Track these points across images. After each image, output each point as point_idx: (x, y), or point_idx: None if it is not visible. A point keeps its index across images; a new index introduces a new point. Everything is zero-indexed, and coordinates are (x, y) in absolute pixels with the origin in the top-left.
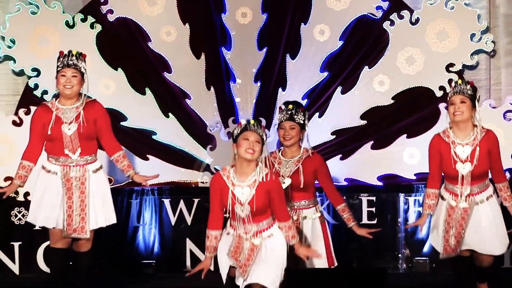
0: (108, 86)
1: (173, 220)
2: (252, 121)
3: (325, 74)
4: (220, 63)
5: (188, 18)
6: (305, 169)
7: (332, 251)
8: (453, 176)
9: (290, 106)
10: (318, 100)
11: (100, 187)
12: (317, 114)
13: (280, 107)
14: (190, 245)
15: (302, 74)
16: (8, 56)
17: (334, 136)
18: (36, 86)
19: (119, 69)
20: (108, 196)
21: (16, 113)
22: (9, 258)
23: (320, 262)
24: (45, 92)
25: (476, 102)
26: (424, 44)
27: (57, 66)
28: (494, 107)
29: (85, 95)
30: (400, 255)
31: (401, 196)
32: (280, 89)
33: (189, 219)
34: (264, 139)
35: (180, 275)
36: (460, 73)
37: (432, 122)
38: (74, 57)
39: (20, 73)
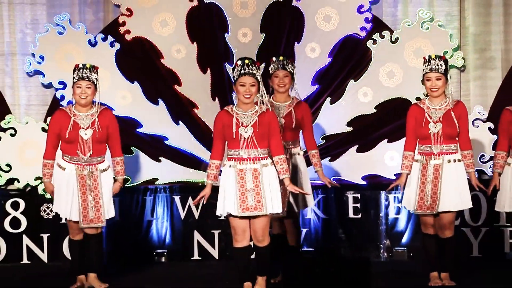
0: (125, 97)
1: (182, 214)
2: (247, 61)
3: (316, 86)
4: (224, 77)
5: (195, 38)
6: (295, 112)
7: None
8: (426, 135)
9: (281, 58)
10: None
11: (107, 184)
12: None
13: (272, 59)
14: (197, 236)
15: (296, 87)
16: (38, 71)
17: (324, 141)
18: (62, 97)
19: (135, 82)
20: (111, 193)
21: (45, 121)
22: (39, 248)
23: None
24: (70, 102)
25: (448, 76)
26: (402, 60)
27: (73, 78)
28: None
29: (98, 102)
30: (381, 245)
31: (382, 194)
32: None
33: (196, 214)
34: (259, 78)
35: (189, 263)
36: None
37: None
38: (87, 70)
39: (48, 86)
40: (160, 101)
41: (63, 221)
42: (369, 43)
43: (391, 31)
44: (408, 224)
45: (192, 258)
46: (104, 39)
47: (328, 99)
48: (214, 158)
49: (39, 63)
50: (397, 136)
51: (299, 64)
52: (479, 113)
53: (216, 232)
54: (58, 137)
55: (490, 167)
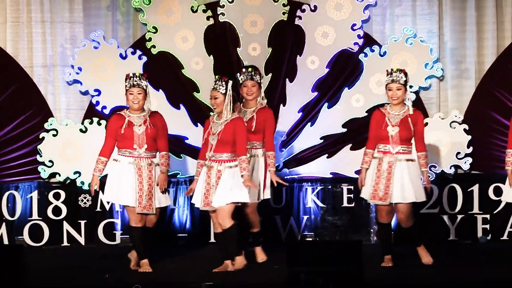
0: (152, 102)
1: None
2: (217, 77)
3: (315, 93)
4: (236, 85)
5: (212, 51)
6: (258, 117)
7: (267, 180)
8: (385, 137)
9: (250, 69)
10: (310, 113)
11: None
12: (309, 123)
13: (241, 70)
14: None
15: (298, 94)
16: (76, 80)
17: (322, 140)
18: (97, 103)
19: (160, 89)
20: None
21: (82, 123)
22: (77, 232)
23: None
24: (104, 107)
25: (407, 86)
26: None
27: (125, 86)
28: (442, 119)
29: (149, 108)
30: (371, 230)
31: None
32: (281, 105)
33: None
34: (226, 93)
35: (206, 246)
36: (417, 93)
37: None
38: (137, 78)
39: (85, 93)
40: (181, 106)
41: (98, 209)
42: (361, 56)
43: (380, 46)
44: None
45: (209, 241)
46: (133, 53)
47: (326, 104)
48: (201, 158)
49: (77, 73)
50: None
51: (300, 74)
52: (456, 116)
53: None
54: (114, 137)
55: (465, 162)
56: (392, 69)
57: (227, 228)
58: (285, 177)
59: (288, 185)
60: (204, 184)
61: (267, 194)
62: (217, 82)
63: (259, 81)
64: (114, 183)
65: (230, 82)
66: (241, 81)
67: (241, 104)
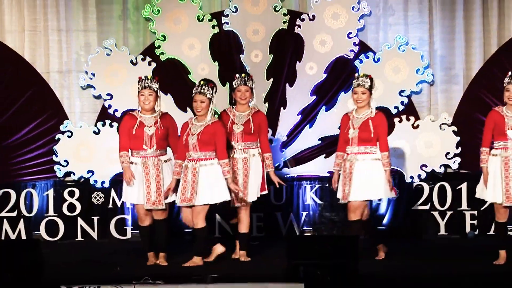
0: (160, 105)
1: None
2: (202, 82)
3: (314, 97)
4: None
5: (217, 58)
6: (254, 120)
7: (265, 179)
8: (346, 139)
9: (243, 75)
10: (308, 115)
11: (168, 173)
12: (308, 125)
13: (235, 76)
14: (218, 218)
15: (297, 98)
16: (90, 85)
17: (320, 141)
18: (110, 106)
19: (168, 94)
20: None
21: (95, 125)
22: (90, 228)
23: (254, 190)
24: (115, 110)
25: (372, 91)
26: (383, 76)
27: (138, 87)
28: (433, 121)
29: (159, 109)
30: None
31: None
32: (282, 108)
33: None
34: (210, 98)
35: (212, 240)
36: (409, 97)
37: (390, 131)
38: (149, 80)
39: (98, 97)
40: (188, 109)
41: (110, 206)
42: (357, 62)
43: (374, 53)
44: (387, 209)
45: (214, 236)
46: (143, 59)
47: (324, 107)
48: (179, 158)
49: (91, 78)
50: None
51: (300, 79)
52: (445, 118)
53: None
54: (128, 135)
55: (454, 162)
56: (358, 74)
57: (198, 227)
58: (285, 176)
59: (288, 184)
60: (181, 182)
61: (264, 191)
62: (204, 87)
63: (252, 86)
64: (124, 184)
65: (215, 88)
66: (235, 86)
67: (234, 108)
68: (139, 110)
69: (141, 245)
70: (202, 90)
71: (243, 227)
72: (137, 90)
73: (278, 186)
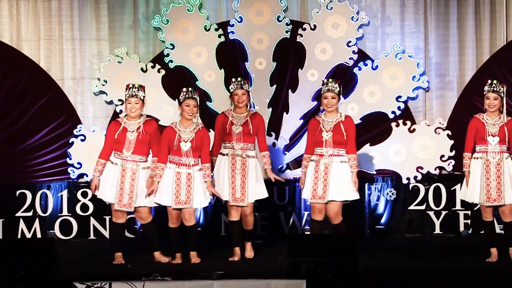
0: (169, 110)
1: (212, 201)
2: (190, 88)
3: (315, 103)
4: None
5: (223, 65)
6: (252, 122)
7: (263, 182)
8: (319, 141)
9: (240, 79)
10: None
11: (143, 179)
12: None
13: (231, 80)
14: (224, 218)
15: (299, 103)
16: (102, 91)
17: None
18: (121, 111)
19: (176, 99)
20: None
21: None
22: (102, 227)
23: (260, 190)
24: (126, 115)
25: (341, 96)
26: (381, 83)
27: (125, 95)
28: (428, 125)
29: (146, 115)
30: (365, 224)
31: (366, 185)
32: (284, 113)
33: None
34: (198, 103)
35: (218, 238)
36: (405, 103)
37: (387, 135)
38: (136, 89)
39: (110, 103)
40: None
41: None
42: (356, 70)
43: (372, 60)
44: (385, 209)
45: (220, 234)
46: (153, 67)
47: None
48: (162, 162)
49: (103, 85)
50: (377, 141)
51: (302, 85)
52: (440, 123)
53: None
54: (112, 141)
55: (449, 164)
56: (328, 80)
57: (191, 225)
58: (288, 177)
59: (290, 185)
60: (173, 185)
61: (265, 194)
62: (193, 93)
63: (248, 89)
64: (103, 182)
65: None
66: (232, 90)
67: (232, 110)
68: (125, 116)
69: (110, 243)
70: (194, 96)
71: (248, 225)
72: (125, 97)
73: (274, 181)
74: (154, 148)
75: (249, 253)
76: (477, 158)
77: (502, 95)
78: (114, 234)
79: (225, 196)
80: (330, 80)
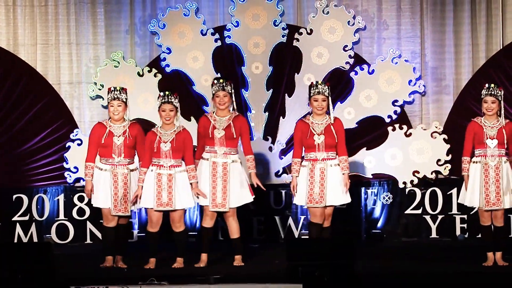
0: None
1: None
2: (167, 92)
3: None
4: (241, 99)
5: (219, 70)
6: (235, 125)
7: (249, 185)
8: (311, 145)
9: (221, 80)
10: None
11: (135, 181)
12: None
13: (213, 82)
14: (221, 223)
15: (296, 107)
16: (99, 95)
17: None
18: None
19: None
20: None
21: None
22: (99, 231)
23: (244, 194)
24: (110, 119)
25: (330, 98)
26: (377, 87)
27: (107, 99)
28: (425, 129)
29: (128, 118)
30: (362, 228)
31: (362, 189)
32: (281, 117)
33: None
34: (177, 106)
35: (215, 243)
36: (402, 107)
37: (383, 139)
38: (118, 92)
39: (107, 107)
40: (192, 118)
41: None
42: (352, 74)
43: (369, 65)
44: (382, 213)
45: (217, 238)
46: (150, 71)
47: None
48: (145, 166)
49: (100, 89)
50: (373, 145)
51: (298, 90)
52: (436, 127)
53: None
54: (97, 144)
55: (445, 168)
56: (317, 82)
57: (180, 231)
58: (285, 181)
59: (285, 187)
60: (155, 187)
61: (250, 198)
62: (170, 96)
63: (230, 91)
64: (95, 189)
65: (177, 97)
66: (213, 92)
67: (214, 113)
68: (109, 119)
69: (102, 246)
70: (170, 100)
71: (234, 233)
72: (107, 100)
73: (256, 186)
74: (140, 152)
75: (239, 263)
76: (476, 162)
77: (500, 99)
78: (106, 238)
79: (205, 201)
80: (320, 82)
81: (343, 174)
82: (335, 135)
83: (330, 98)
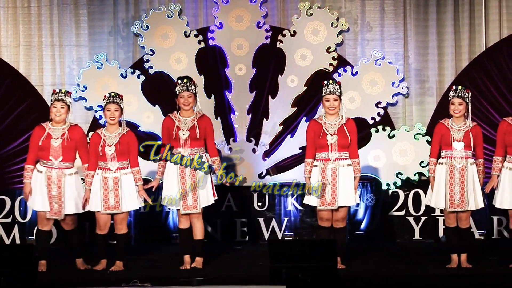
0: (149, 116)
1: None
2: (112, 93)
3: (295, 108)
4: (224, 101)
5: (202, 71)
6: (199, 126)
7: (213, 186)
8: (324, 145)
9: (185, 80)
10: (290, 126)
11: (73, 186)
12: (289, 135)
13: (177, 81)
14: (205, 224)
15: (279, 109)
16: (82, 97)
17: (301, 150)
18: (100, 117)
19: (156, 105)
20: (81, 192)
21: (87, 135)
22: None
23: (205, 195)
24: (106, 122)
25: (342, 97)
26: (361, 88)
27: (51, 99)
28: (408, 131)
29: (70, 122)
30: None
31: None
32: (264, 119)
33: (171, 209)
34: (122, 108)
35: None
36: (385, 109)
37: (367, 141)
38: (62, 94)
39: (90, 109)
40: None
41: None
42: (335, 76)
43: (352, 66)
44: (365, 214)
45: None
46: (133, 73)
47: (304, 118)
48: (92, 169)
49: (83, 91)
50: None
51: (281, 91)
52: (419, 129)
53: (218, 221)
54: (36, 147)
55: (428, 170)
56: (328, 81)
57: (123, 233)
58: (268, 183)
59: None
60: (102, 190)
61: (211, 200)
62: (115, 98)
63: (194, 91)
64: (32, 190)
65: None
66: (177, 92)
67: (178, 113)
68: (50, 121)
69: (36, 249)
70: (116, 101)
71: (198, 235)
72: (50, 102)
73: (228, 185)
74: (82, 155)
75: (199, 265)
76: (442, 163)
77: (467, 101)
78: (40, 242)
79: (176, 204)
80: (331, 81)
81: (355, 177)
82: (348, 136)
83: (341, 97)
